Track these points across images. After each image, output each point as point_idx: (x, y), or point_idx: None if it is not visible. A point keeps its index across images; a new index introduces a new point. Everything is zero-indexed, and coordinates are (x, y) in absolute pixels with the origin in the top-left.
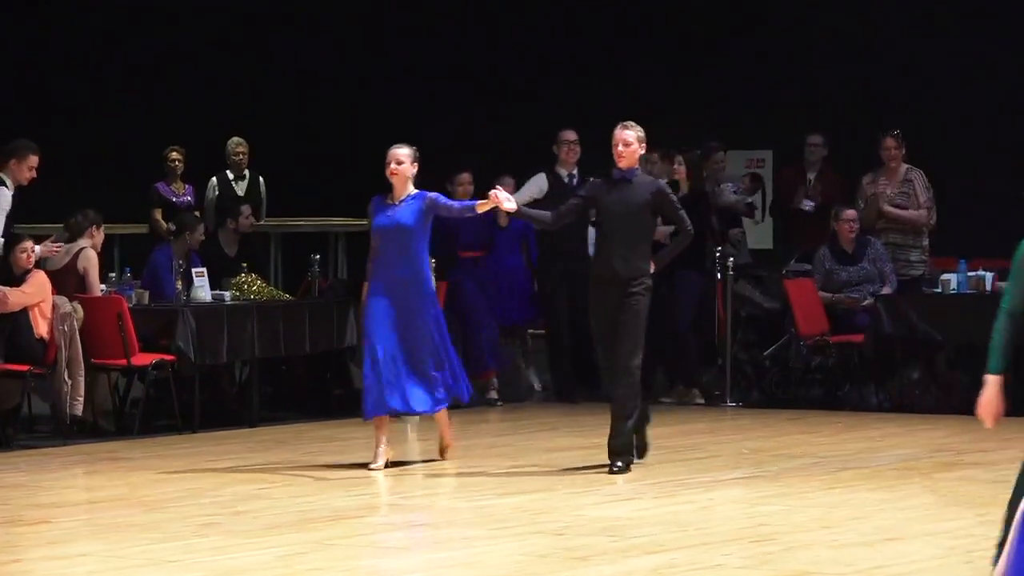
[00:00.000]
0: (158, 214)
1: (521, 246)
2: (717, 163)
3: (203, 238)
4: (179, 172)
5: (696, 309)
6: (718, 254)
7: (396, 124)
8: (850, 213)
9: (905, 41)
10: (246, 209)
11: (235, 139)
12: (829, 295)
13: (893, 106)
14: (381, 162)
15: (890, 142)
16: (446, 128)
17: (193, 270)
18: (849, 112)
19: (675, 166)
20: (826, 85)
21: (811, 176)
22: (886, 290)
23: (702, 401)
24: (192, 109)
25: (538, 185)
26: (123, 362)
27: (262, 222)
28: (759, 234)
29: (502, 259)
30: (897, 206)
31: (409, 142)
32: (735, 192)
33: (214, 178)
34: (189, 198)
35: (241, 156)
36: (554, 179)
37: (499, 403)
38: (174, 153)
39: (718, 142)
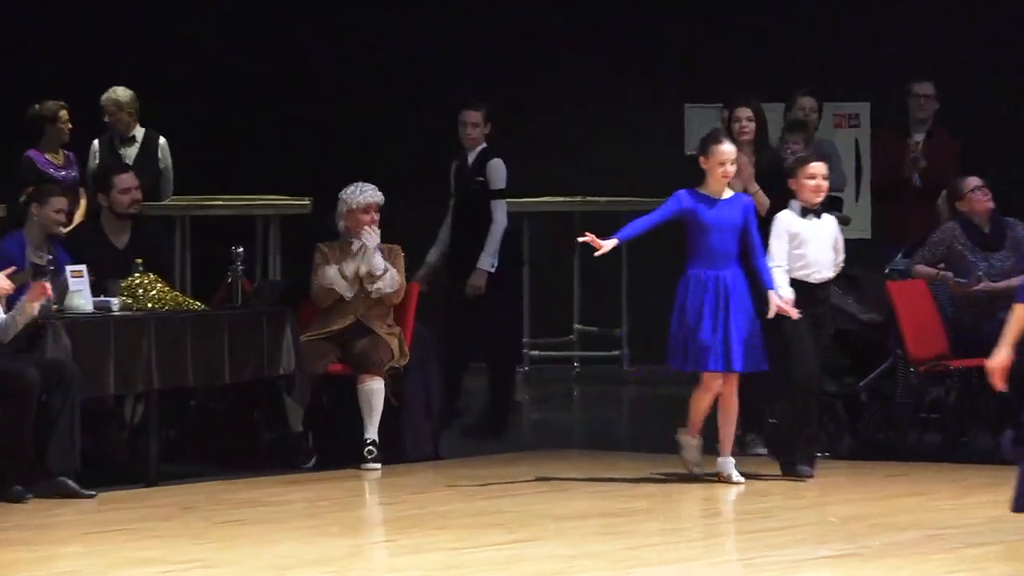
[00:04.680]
0: None
1: None
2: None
3: (63, 219)
4: (65, 137)
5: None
6: None
7: (348, 86)
8: (973, 180)
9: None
10: (126, 178)
11: (113, 92)
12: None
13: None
14: (328, 125)
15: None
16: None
17: (68, 268)
18: (965, 58)
19: (743, 122)
20: (937, 22)
21: (919, 139)
22: None
23: (764, 451)
24: (69, 53)
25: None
26: None
27: (164, 201)
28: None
29: None
30: None
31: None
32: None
33: (95, 142)
34: (74, 172)
35: (119, 114)
36: None
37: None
38: (62, 112)
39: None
